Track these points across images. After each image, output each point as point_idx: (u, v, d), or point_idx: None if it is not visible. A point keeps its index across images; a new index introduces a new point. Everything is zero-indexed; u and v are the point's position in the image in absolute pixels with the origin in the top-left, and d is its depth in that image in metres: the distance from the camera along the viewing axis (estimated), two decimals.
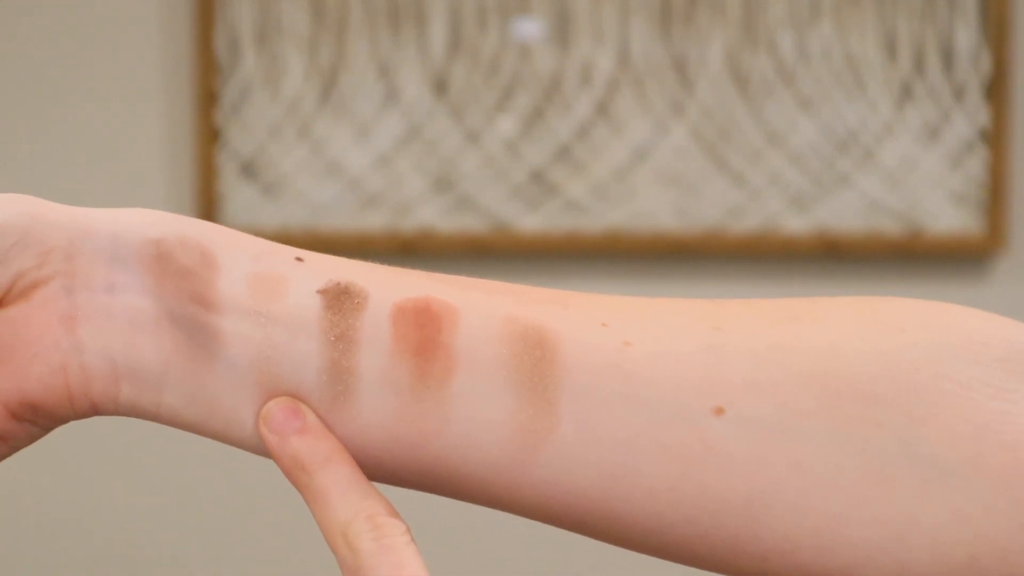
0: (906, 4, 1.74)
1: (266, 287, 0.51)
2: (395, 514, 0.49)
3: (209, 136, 1.75)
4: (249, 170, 1.76)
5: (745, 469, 0.50)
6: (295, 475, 0.50)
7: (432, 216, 1.76)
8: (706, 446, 0.50)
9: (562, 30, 1.75)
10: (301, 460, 0.50)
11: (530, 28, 1.75)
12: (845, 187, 1.75)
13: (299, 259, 0.51)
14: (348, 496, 0.49)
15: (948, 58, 1.74)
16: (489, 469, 0.51)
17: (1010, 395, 0.51)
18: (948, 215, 1.75)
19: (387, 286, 0.51)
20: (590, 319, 0.51)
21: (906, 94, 1.74)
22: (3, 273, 0.50)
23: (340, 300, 0.51)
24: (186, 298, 0.51)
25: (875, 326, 0.52)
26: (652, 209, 1.76)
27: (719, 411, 0.50)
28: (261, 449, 0.51)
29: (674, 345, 0.51)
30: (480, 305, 0.51)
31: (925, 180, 1.75)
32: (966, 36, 1.74)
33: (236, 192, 1.76)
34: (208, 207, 1.75)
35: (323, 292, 0.51)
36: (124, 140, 1.78)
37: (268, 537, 1.78)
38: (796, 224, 1.76)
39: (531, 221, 1.76)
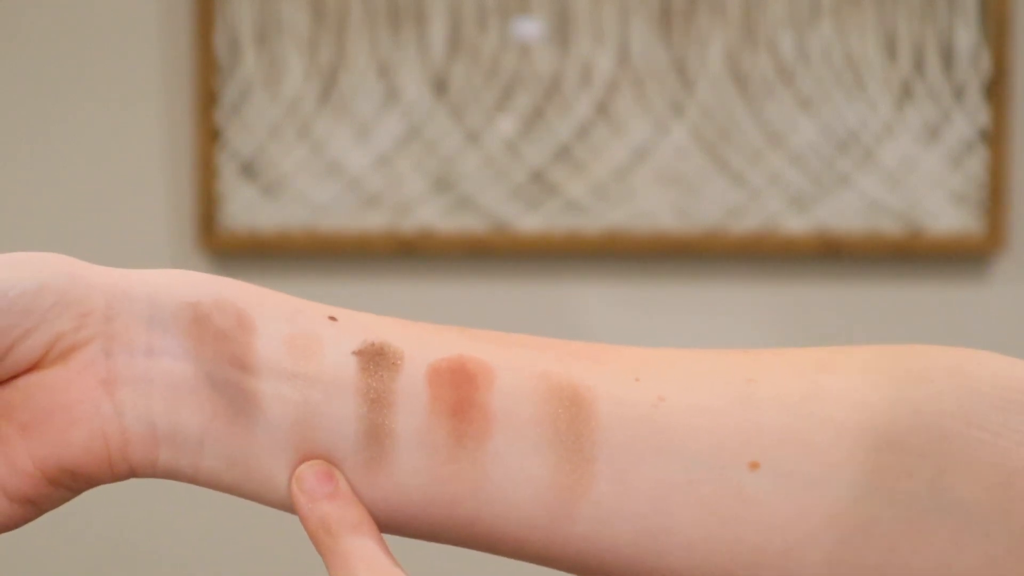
0: (906, 4, 1.74)
1: (302, 349, 0.51)
2: None
3: (209, 136, 1.75)
4: (249, 170, 1.76)
5: (781, 522, 0.50)
6: (320, 538, 0.50)
7: (432, 216, 1.76)
8: (742, 500, 0.50)
9: (562, 30, 1.75)
10: (328, 524, 0.50)
11: (530, 28, 1.75)
12: (845, 187, 1.75)
13: (332, 318, 0.52)
14: (372, 567, 0.50)
15: (948, 58, 1.74)
16: (527, 527, 0.51)
17: None
18: (948, 215, 1.75)
19: (421, 345, 0.52)
20: (623, 374, 0.52)
21: (906, 94, 1.74)
22: (42, 335, 0.50)
23: (376, 361, 0.51)
24: (225, 361, 0.51)
25: (903, 375, 0.52)
26: (652, 209, 1.76)
27: (754, 465, 0.51)
28: (294, 509, 0.52)
29: (708, 399, 0.51)
30: (514, 363, 0.52)
31: (925, 180, 1.75)
32: (966, 36, 1.74)
33: (236, 192, 1.76)
34: (208, 207, 1.75)
35: (359, 353, 0.51)
36: (124, 140, 1.78)
37: (269, 536, 1.78)
38: (796, 224, 1.76)
39: (531, 221, 1.76)
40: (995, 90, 1.74)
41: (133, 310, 0.52)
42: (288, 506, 0.51)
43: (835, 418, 0.51)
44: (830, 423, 0.51)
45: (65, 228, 1.78)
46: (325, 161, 1.76)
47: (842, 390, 0.52)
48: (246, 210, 1.76)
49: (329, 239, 1.76)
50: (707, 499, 0.50)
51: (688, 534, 0.51)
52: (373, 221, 1.76)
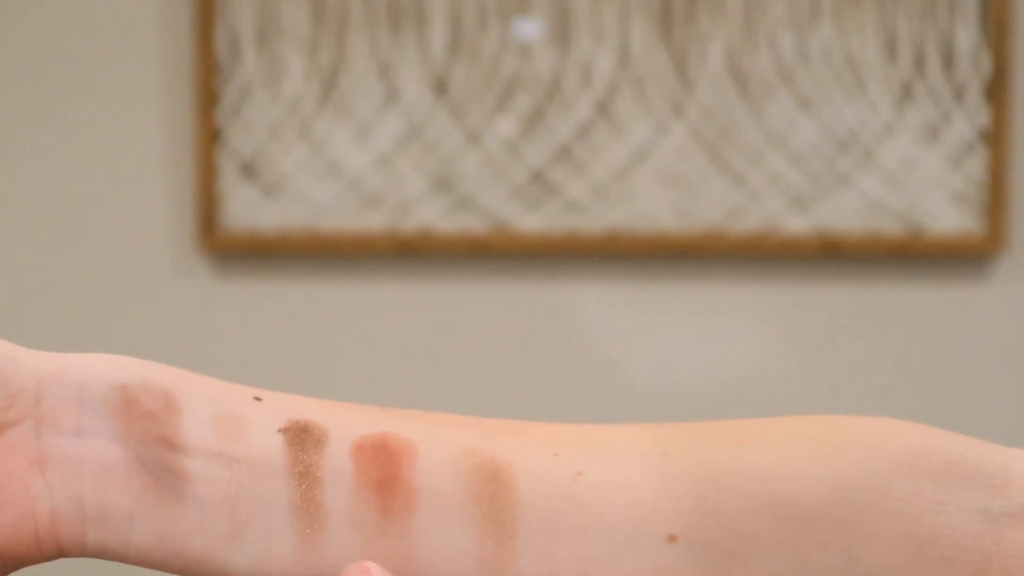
0: (906, 4, 1.74)
1: (229, 428, 0.52)
2: None
3: (209, 136, 1.75)
4: (249, 170, 1.76)
5: None
6: None
7: (432, 216, 1.76)
8: (661, 572, 0.52)
9: (562, 30, 1.75)
10: None
11: (530, 28, 1.75)
12: (845, 187, 1.75)
13: (257, 398, 0.53)
14: None
15: (948, 58, 1.74)
16: None
17: (946, 507, 0.53)
18: (948, 215, 1.75)
19: (345, 424, 0.52)
20: (542, 449, 0.53)
21: (906, 94, 1.74)
22: None
23: (302, 438, 0.52)
24: (153, 442, 0.52)
25: (817, 447, 0.53)
26: (652, 209, 1.76)
27: (672, 538, 0.52)
28: None
29: (626, 474, 0.52)
30: (437, 439, 0.53)
31: (925, 180, 1.75)
32: (966, 36, 1.74)
33: (236, 192, 1.76)
34: (208, 207, 1.75)
35: (284, 431, 0.52)
36: (124, 140, 1.78)
37: None
38: (796, 224, 1.76)
39: (531, 221, 1.76)
40: (995, 90, 1.74)
41: (62, 392, 0.52)
42: None
43: (751, 491, 0.52)
44: (746, 496, 0.52)
45: (65, 228, 1.78)
46: (325, 161, 1.76)
47: (757, 463, 0.53)
48: (246, 210, 1.76)
49: (329, 239, 1.76)
50: (627, 572, 0.52)
51: None
52: (373, 221, 1.76)
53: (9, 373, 0.52)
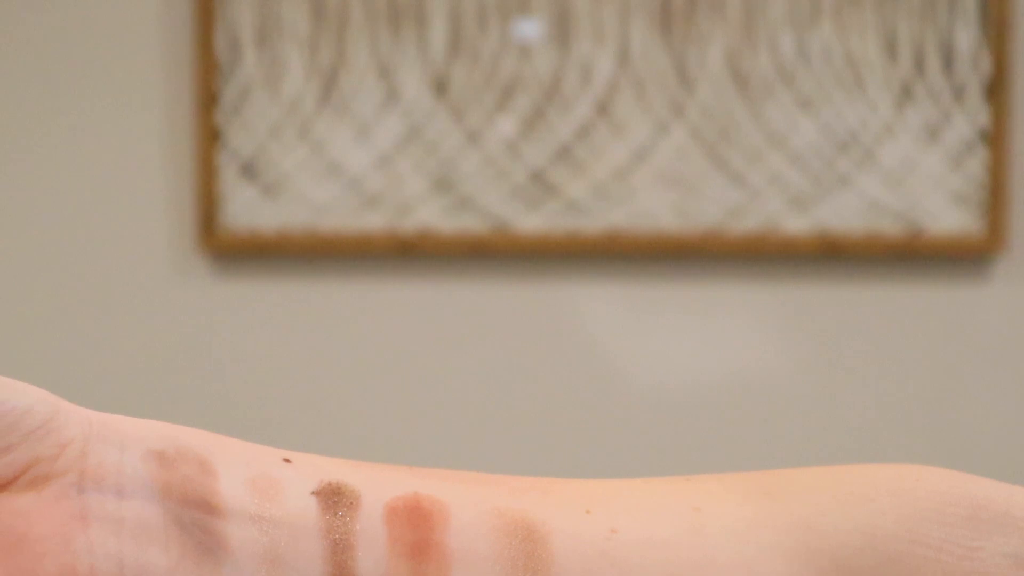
0: (906, 4, 1.74)
1: (263, 490, 0.52)
2: None
3: (209, 136, 1.75)
4: (249, 170, 1.76)
5: None
6: None
7: (432, 216, 1.76)
8: None
9: (562, 30, 1.75)
10: None
11: (530, 28, 1.75)
12: (845, 187, 1.75)
13: (287, 460, 0.53)
14: None
15: (948, 58, 1.74)
16: None
17: (977, 552, 0.53)
18: (948, 215, 1.75)
19: (375, 484, 0.53)
20: (574, 507, 0.53)
21: (906, 94, 1.74)
22: (22, 454, 0.51)
23: (335, 500, 0.52)
24: (191, 504, 0.52)
25: (847, 498, 0.54)
26: (652, 209, 1.76)
27: None
28: None
29: (658, 530, 0.52)
30: (468, 499, 0.53)
31: (925, 180, 1.75)
32: (966, 36, 1.74)
33: (236, 192, 1.76)
34: (208, 207, 1.75)
35: (318, 494, 0.52)
36: (124, 140, 1.78)
37: None
38: (796, 224, 1.76)
39: (531, 221, 1.76)
40: (995, 90, 1.74)
41: (105, 450, 0.52)
42: None
43: (783, 544, 0.52)
44: (778, 549, 0.52)
45: (65, 228, 1.78)
46: (325, 161, 1.76)
47: (787, 515, 0.53)
48: (246, 210, 1.76)
49: (329, 239, 1.76)
50: None
51: None
52: (373, 221, 1.76)
53: (61, 422, 0.52)
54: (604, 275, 1.78)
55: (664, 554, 0.52)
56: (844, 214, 1.75)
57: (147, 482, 0.52)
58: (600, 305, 1.78)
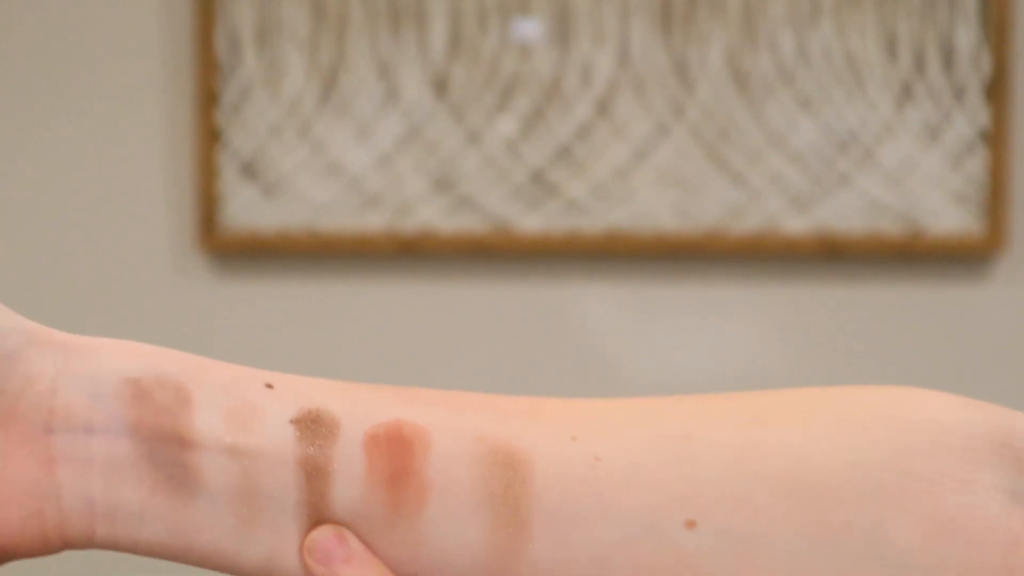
0: (906, 4, 1.74)
1: (240, 419, 0.52)
2: None
3: (209, 136, 1.75)
4: (249, 170, 1.76)
5: None
6: None
7: (432, 216, 1.76)
8: (680, 560, 0.51)
9: (562, 30, 1.75)
10: None
11: (530, 28, 1.75)
12: (845, 187, 1.75)
13: (269, 385, 0.52)
14: None
15: (948, 58, 1.74)
16: None
17: (971, 486, 0.51)
18: (948, 215, 1.75)
19: (358, 411, 0.52)
20: (560, 433, 0.52)
21: (906, 94, 1.74)
22: None
23: (313, 429, 0.51)
24: (164, 438, 0.51)
25: (839, 424, 0.52)
26: (652, 209, 1.76)
27: (691, 524, 0.51)
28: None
29: (644, 457, 0.52)
30: (450, 425, 0.52)
31: (925, 180, 1.75)
32: (966, 36, 1.74)
33: (236, 192, 1.76)
34: (208, 207, 1.75)
35: (296, 422, 0.52)
36: (124, 140, 1.78)
37: None
38: (796, 224, 1.76)
39: (531, 221, 1.76)
40: (995, 90, 1.74)
41: (77, 384, 0.52)
42: (242, 573, 0.52)
43: (770, 472, 0.51)
44: (766, 478, 0.51)
45: (65, 228, 1.78)
46: (325, 161, 1.76)
47: (778, 444, 0.52)
48: (246, 210, 1.76)
49: (329, 239, 1.76)
50: (645, 559, 0.51)
51: None
52: (373, 221, 1.76)
53: (32, 354, 0.51)
54: (604, 275, 1.78)
55: (648, 481, 0.51)
56: (844, 214, 1.75)
57: (118, 416, 0.51)
58: (600, 305, 1.78)
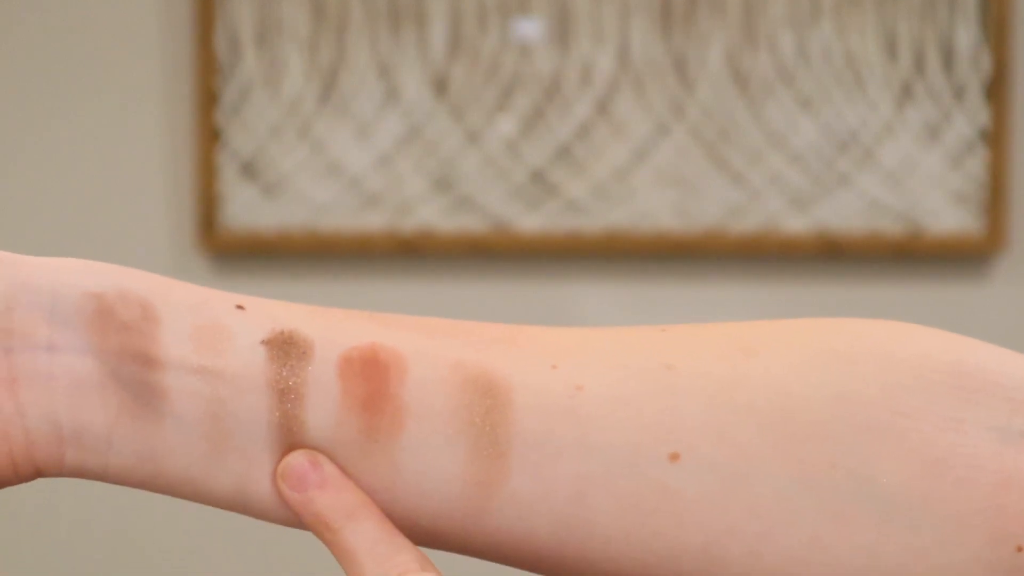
0: (906, 4, 1.74)
1: (209, 340, 0.50)
2: (428, 567, 0.49)
3: (209, 136, 1.75)
4: (249, 170, 1.76)
5: (702, 514, 0.50)
6: (320, 532, 0.49)
7: (432, 216, 1.76)
8: (662, 493, 0.49)
9: (562, 30, 1.75)
10: (324, 517, 0.49)
11: (530, 28, 1.75)
12: (845, 187, 1.75)
13: (240, 307, 0.50)
14: (375, 553, 0.49)
15: (948, 58, 1.74)
16: (443, 519, 0.50)
17: (961, 425, 0.50)
18: (948, 215, 1.75)
19: (332, 334, 0.50)
20: (540, 361, 0.50)
21: (906, 94, 1.74)
22: None
23: (285, 351, 0.50)
24: (129, 357, 0.49)
25: (827, 359, 0.51)
26: (652, 209, 1.76)
27: (675, 457, 0.50)
28: (216, 503, 0.50)
29: (627, 388, 0.50)
30: (428, 351, 0.50)
31: (925, 180, 1.75)
32: (966, 36, 1.74)
33: (236, 192, 1.76)
34: (208, 207, 1.75)
35: (267, 343, 0.50)
36: (124, 140, 1.78)
37: (270, 537, 1.78)
38: (796, 224, 1.76)
39: (531, 221, 1.76)
40: (995, 90, 1.74)
41: (35, 301, 0.50)
42: (213, 500, 0.50)
43: (757, 406, 0.50)
44: (751, 412, 0.50)
45: (65, 228, 1.78)
46: (325, 161, 1.76)
47: (764, 377, 0.50)
48: (246, 210, 1.76)
49: (329, 239, 1.76)
50: (626, 492, 0.49)
51: (607, 528, 0.50)
52: (373, 221, 1.76)
53: None
54: (604, 275, 1.78)
55: (630, 412, 0.50)
56: (844, 214, 1.75)
57: (81, 333, 0.49)
58: (600, 305, 1.78)
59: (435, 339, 0.51)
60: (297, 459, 0.49)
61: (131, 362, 0.49)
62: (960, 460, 0.50)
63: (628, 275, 1.78)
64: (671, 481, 0.49)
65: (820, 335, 0.52)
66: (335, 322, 0.51)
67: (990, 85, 1.74)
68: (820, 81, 1.74)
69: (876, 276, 1.78)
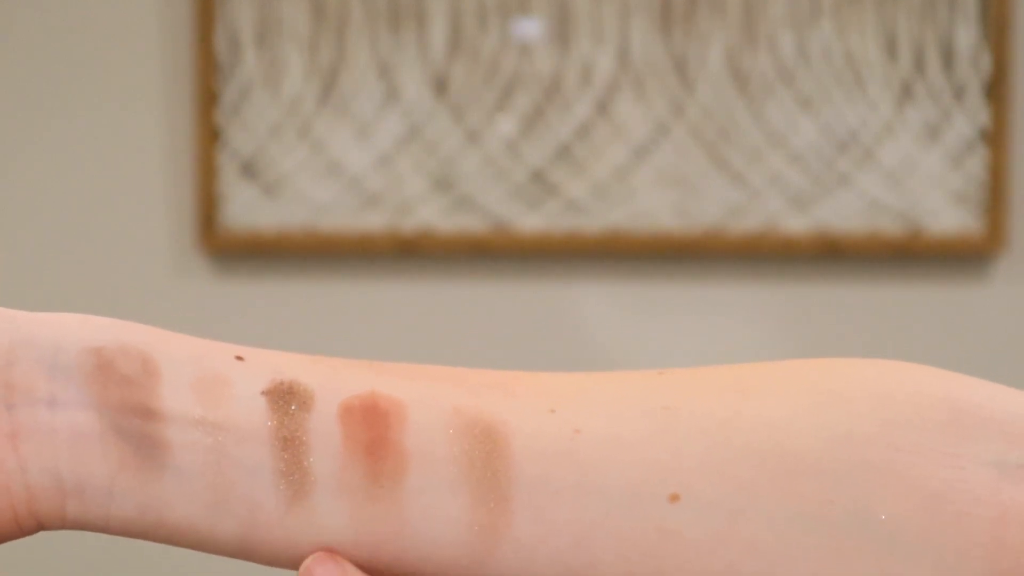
0: (906, 4, 1.74)
1: (210, 392, 0.50)
2: None
3: (209, 136, 1.75)
4: (249, 170, 1.76)
5: (702, 554, 0.50)
6: None
7: (432, 216, 1.76)
8: (663, 533, 0.50)
9: (562, 30, 1.75)
10: None
11: (530, 28, 1.75)
12: (845, 187, 1.75)
13: (239, 357, 0.51)
14: None
15: (948, 58, 1.74)
16: (450, 566, 0.50)
17: (957, 460, 0.50)
18: (948, 215, 1.75)
19: (331, 382, 0.51)
20: (538, 405, 0.51)
21: (906, 94, 1.74)
22: None
23: (286, 400, 0.50)
24: (130, 410, 0.50)
25: (823, 398, 0.51)
26: (652, 209, 1.76)
27: (674, 497, 0.50)
28: (220, 551, 0.51)
29: (625, 430, 0.50)
30: (427, 398, 0.51)
31: (925, 180, 1.75)
32: (966, 36, 1.74)
33: (236, 192, 1.76)
34: (208, 207, 1.75)
35: (267, 393, 0.50)
36: (124, 140, 1.78)
37: None
38: (796, 224, 1.76)
39: (531, 221, 1.76)
40: (995, 90, 1.74)
41: (35, 356, 0.50)
42: (216, 548, 0.50)
43: (754, 445, 0.50)
44: (749, 451, 0.50)
45: (65, 228, 1.78)
46: (325, 161, 1.76)
47: (762, 415, 0.51)
48: (246, 210, 1.76)
49: (329, 239, 1.76)
50: (628, 534, 0.50)
51: (609, 570, 0.50)
52: (373, 221, 1.76)
53: None
54: (604, 275, 1.78)
55: (629, 455, 0.50)
56: (844, 214, 1.75)
57: (82, 387, 0.50)
58: (600, 305, 1.78)
59: (433, 386, 0.51)
60: (319, 561, 0.50)
61: (132, 415, 0.50)
62: (959, 495, 0.50)
63: (628, 275, 1.78)
64: (671, 522, 0.50)
65: (816, 375, 0.53)
66: (334, 371, 0.51)
67: (990, 85, 1.74)
68: (820, 81, 1.74)
69: (876, 276, 1.78)
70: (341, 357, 0.52)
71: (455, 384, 0.51)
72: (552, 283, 1.78)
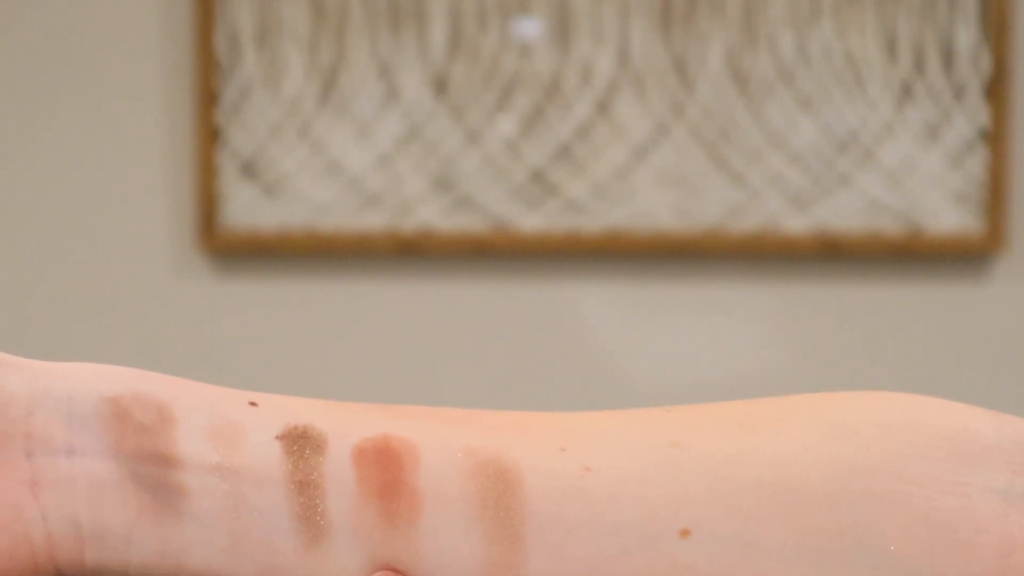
0: (906, 4, 1.74)
1: (225, 438, 0.51)
2: None
3: (209, 136, 1.75)
4: (249, 170, 1.76)
5: None
6: None
7: (432, 216, 1.76)
8: (674, 569, 0.50)
9: (562, 30, 1.75)
10: None
11: (530, 28, 1.75)
12: (845, 187, 1.75)
13: (253, 404, 0.52)
14: None
15: (948, 58, 1.74)
16: None
17: (964, 489, 0.51)
18: (948, 215, 1.75)
19: (344, 426, 0.51)
20: (549, 444, 0.52)
21: (906, 94, 1.74)
22: None
23: (300, 445, 0.51)
24: (147, 457, 0.51)
25: (829, 431, 0.52)
26: (652, 209, 1.76)
27: (685, 532, 0.51)
28: None
29: (635, 467, 0.51)
30: (439, 439, 0.51)
31: (925, 180, 1.75)
32: (966, 36, 1.74)
33: (236, 192, 1.76)
34: (208, 207, 1.75)
35: (282, 438, 0.51)
36: (124, 140, 1.78)
37: None
38: (796, 224, 1.76)
39: (531, 221, 1.76)
40: (995, 90, 1.74)
41: (53, 406, 0.51)
42: None
43: (762, 479, 0.51)
44: (758, 485, 0.51)
45: (65, 228, 1.78)
46: (325, 161, 1.76)
47: (769, 450, 0.52)
48: (246, 210, 1.76)
49: (329, 239, 1.76)
50: (640, 569, 0.50)
51: None
52: (373, 221, 1.76)
53: (1, 381, 0.50)
54: (604, 275, 1.78)
55: (640, 491, 0.51)
56: (844, 214, 1.75)
57: (99, 436, 0.51)
58: (600, 305, 1.78)
59: (445, 427, 0.52)
60: None
61: (149, 462, 0.51)
62: (965, 523, 0.51)
63: (628, 275, 1.78)
64: (683, 556, 0.50)
65: (821, 409, 0.53)
66: (346, 415, 0.52)
67: (990, 85, 1.74)
68: (820, 81, 1.74)
69: (876, 276, 1.78)
70: (351, 402, 0.53)
71: (466, 425, 0.52)
72: (552, 283, 1.78)
